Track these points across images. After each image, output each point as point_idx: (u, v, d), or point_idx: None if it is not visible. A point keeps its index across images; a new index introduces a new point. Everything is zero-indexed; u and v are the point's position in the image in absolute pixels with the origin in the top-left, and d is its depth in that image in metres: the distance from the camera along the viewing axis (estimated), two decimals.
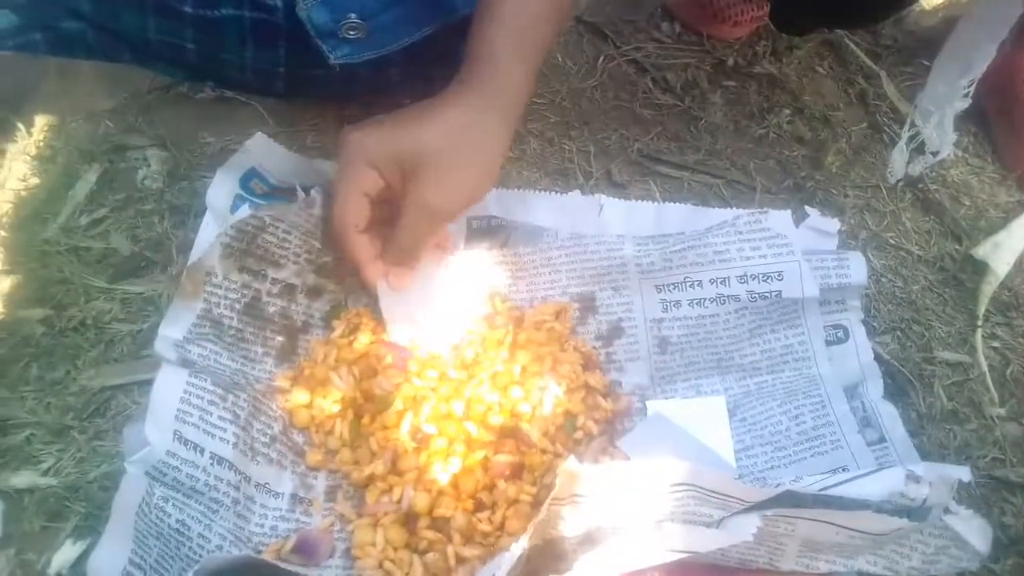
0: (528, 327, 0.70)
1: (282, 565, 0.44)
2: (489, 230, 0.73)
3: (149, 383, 0.59)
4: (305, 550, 0.56)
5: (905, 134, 0.78)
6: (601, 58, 0.95)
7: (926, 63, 0.98)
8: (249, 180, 0.74)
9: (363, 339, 0.68)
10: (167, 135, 0.83)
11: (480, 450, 0.62)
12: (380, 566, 0.57)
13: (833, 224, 0.73)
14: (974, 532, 0.52)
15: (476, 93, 0.60)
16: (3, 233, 0.76)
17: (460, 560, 0.57)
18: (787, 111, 0.93)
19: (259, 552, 0.57)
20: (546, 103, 0.90)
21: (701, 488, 0.50)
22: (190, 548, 0.53)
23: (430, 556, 0.57)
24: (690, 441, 0.65)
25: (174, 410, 0.57)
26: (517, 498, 0.60)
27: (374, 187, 0.61)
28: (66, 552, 0.59)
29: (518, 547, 0.48)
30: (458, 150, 0.58)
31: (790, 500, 0.51)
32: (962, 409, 0.73)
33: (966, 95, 0.73)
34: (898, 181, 0.84)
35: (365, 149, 0.60)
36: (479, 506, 0.60)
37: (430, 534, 0.58)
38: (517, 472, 0.61)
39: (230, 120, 0.85)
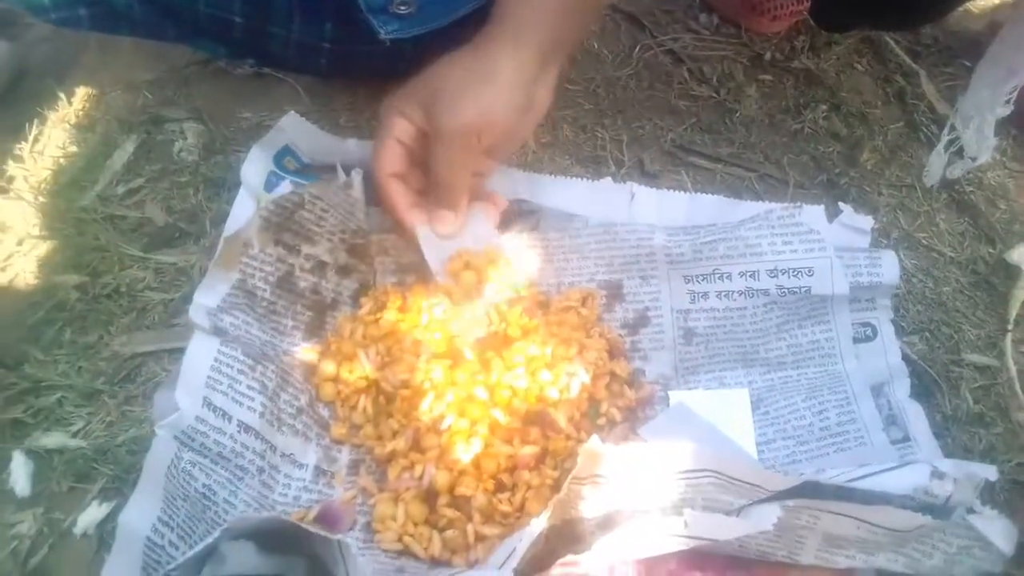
0: (554, 312, 0.70)
1: (310, 528, 0.45)
2: (519, 214, 0.73)
3: (179, 351, 0.60)
4: (327, 520, 0.57)
5: (944, 138, 0.77)
6: (637, 47, 0.95)
7: (967, 64, 0.97)
8: (283, 157, 0.75)
9: (389, 316, 0.68)
10: (204, 109, 0.84)
11: (504, 436, 0.62)
12: (400, 540, 0.58)
13: (867, 221, 0.72)
14: (998, 533, 0.52)
15: (486, 33, 0.63)
16: (42, 199, 0.77)
17: (479, 538, 0.57)
18: (823, 107, 0.92)
19: None
20: (580, 90, 0.90)
21: (723, 475, 0.50)
22: (215, 512, 0.54)
23: (449, 533, 0.58)
24: (712, 432, 0.65)
25: (204, 377, 0.58)
26: (539, 483, 0.60)
27: (404, 132, 0.64)
28: (92, 513, 0.61)
29: (538, 524, 0.48)
30: (465, 76, 0.62)
31: (812, 491, 0.51)
32: (988, 413, 0.72)
33: (1008, 101, 0.72)
34: (934, 185, 0.83)
35: (394, 101, 0.65)
36: (500, 487, 0.60)
37: (450, 512, 0.59)
38: (541, 459, 0.62)
39: (267, 97, 0.86)
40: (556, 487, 0.59)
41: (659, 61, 0.94)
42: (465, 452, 0.60)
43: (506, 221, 0.73)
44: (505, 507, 0.59)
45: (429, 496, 0.60)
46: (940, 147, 0.77)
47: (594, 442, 0.47)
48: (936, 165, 0.78)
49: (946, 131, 0.76)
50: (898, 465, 0.53)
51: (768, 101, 0.92)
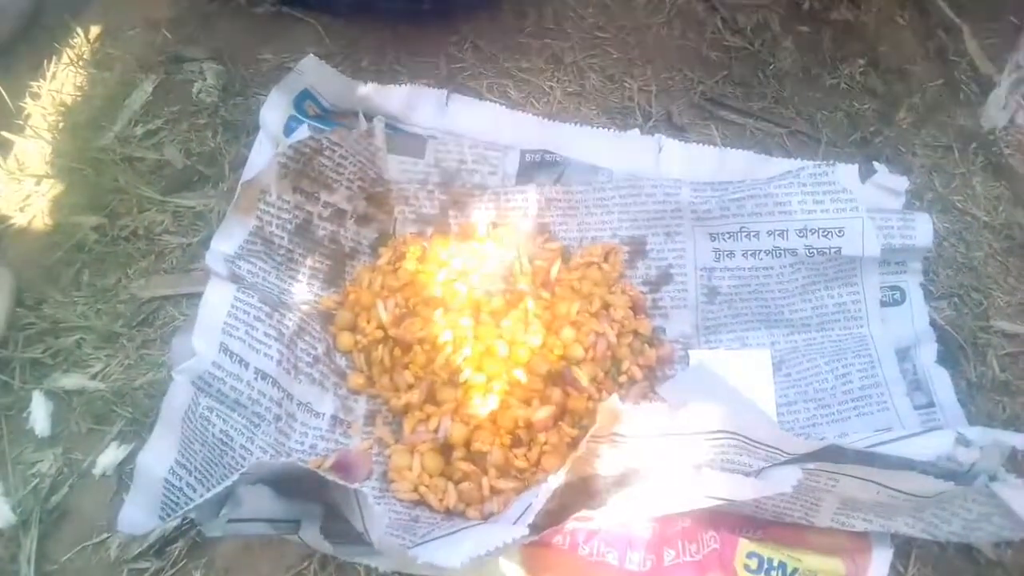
0: (575, 267, 0.69)
1: (326, 476, 0.45)
2: (543, 165, 0.71)
3: (197, 296, 0.59)
4: (343, 469, 0.57)
5: (1008, 75, 0.71)
6: None
7: (1013, 20, 0.93)
8: (303, 101, 0.73)
9: (408, 267, 0.67)
10: (224, 49, 0.83)
11: (523, 396, 0.61)
12: (415, 490, 0.58)
13: (901, 182, 0.70)
14: (1020, 501, 0.51)
15: None
16: (59, 138, 0.77)
17: (494, 491, 0.57)
18: (861, 62, 0.89)
19: None
20: (609, 37, 0.88)
21: (744, 437, 0.49)
22: (232, 458, 0.54)
23: (464, 485, 0.58)
24: (731, 392, 0.64)
25: (221, 323, 0.57)
26: (557, 440, 0.60)
27: None
28: (111, 454, 0.61)
29: (554, 481, 0.48)
30: None
31: (833, 455, 0.50)
32: (1015, 381, 0.70)
33: None
34: (996, 129, 0.78)
35: None
36: (516, 442, 0.60)
37: (465, 465, 0.59)
38: (559, 416, 0.61)
39: (288, 37, 0.84)
40: (574, 444, 0.59)
41: (692, 9, 0.91)
42: (481, 407, 0.60)
43: (529, 172, 0.71)
44: (521, 462, 0.59)
45: (444, 449, 0.60)
46: (1002, 87, 0.72)
47: (613, 400, 0.46)
48: (995, 107, 0.73)
49: (1009, 69, 0.71)
50: (923, 431, 0.52)
51: (804, 54, 0.89)
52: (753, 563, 0.54)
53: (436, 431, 0.60)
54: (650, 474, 0.51)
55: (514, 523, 0.48)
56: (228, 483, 0.46)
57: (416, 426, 0.61)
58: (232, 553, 0.57)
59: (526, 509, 0.48)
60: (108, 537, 0.58)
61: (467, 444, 0.59)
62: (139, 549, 0.57)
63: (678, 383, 0.65)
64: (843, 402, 0.64)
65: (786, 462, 0.51)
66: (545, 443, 0.59)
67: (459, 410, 0.60)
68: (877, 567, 0.55)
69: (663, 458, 0.50)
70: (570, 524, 0.51)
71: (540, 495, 0.47)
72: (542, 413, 0.60)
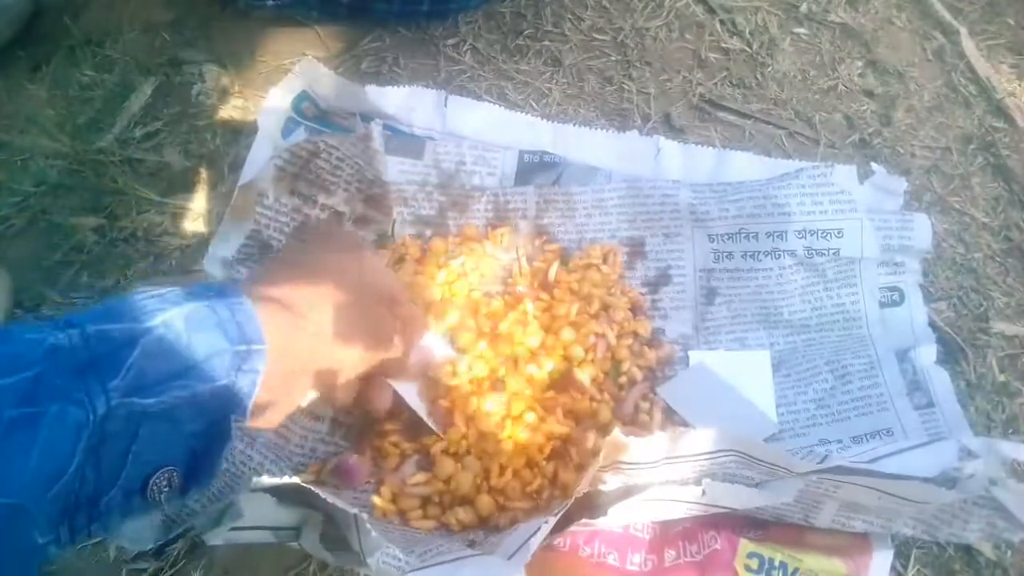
0: (574, 268, 0.69)
1: (329, 498, 0.44)
2: (542, 166, 0.71)
3: None
4: (344, 473, 0.57)
5: None
6: None
7: (1010, 22, 0.94)
8: (301, 103, 0.74)
9: (407, 269, 0.67)
10: (223, 52, 0.83)
11: (531, 410, 0.60)
12: None
13: (900, 183, 0.70)
14: (1020, 505, 0.51)
15: None
16: (59, 141, 0.77)
17: (500, 507, 0.57)
18: (859, 63, 0.89)
19: (299, 472, 0.57)
20: (608, 40, 0.88)
21: (746, 454, 0.49)
22: (232, 463, 0.54)
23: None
24: (730, 392, 0.64)
25: None
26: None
27: None
28: None
29: (554, 518, 0.47)
30: None
31: (837, 470, 0.50)
32: (1014, 382, 0.70)
33: None
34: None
35: None
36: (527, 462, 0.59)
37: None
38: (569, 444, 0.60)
39: (286, 40, 0.85)
40: (580, 466, 0.58)
41: (691, 11, 0.91)
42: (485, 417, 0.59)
43: (528, 173, 0.71)
44: (528, 476, 0.58)
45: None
46: None
47: (617, 434, 0.46)
48: None
49: None
50: (925, 442, 0.52)
51: (802, 56, 0.89)
52: (754, 563, 0.54)
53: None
54: (653, 488, 0.51)
55: (509, 559, 0.47)
56: (229, 499, 0.46)
57: None
58: (231, 554, 0.57)
59: (522, 546, 0.47)
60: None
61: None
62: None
63: (677, 384, 0.65)
64: (843, 402, 0.64)
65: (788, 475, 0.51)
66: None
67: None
68: (877, 567, 0.55)
69: (667, 475, 0.50)
70: (572, 528, 0.51)
71: (538, 534, 0.46)
72: (554, 427, 0.59)
